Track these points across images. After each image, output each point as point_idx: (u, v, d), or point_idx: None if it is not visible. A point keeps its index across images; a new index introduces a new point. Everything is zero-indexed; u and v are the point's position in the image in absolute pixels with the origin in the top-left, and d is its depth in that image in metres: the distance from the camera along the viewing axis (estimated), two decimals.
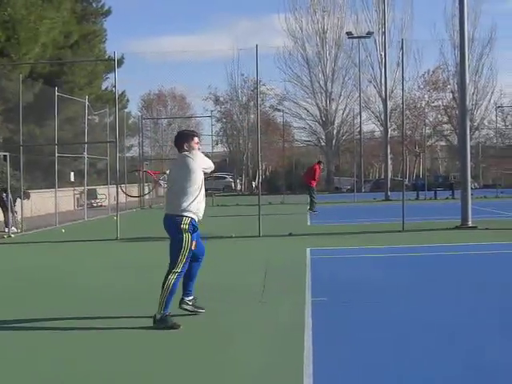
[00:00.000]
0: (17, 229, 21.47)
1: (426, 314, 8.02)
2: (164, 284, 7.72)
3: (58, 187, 26.31)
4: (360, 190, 50.31)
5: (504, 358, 6.13)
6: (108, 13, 46.05)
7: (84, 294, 10.08)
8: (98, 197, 38.74)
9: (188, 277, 8.08)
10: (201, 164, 7.91)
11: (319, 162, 29.50)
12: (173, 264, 7.79)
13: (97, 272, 12.52)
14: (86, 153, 30.02)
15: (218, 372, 6.00)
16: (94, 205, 37.37)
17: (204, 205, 8.03)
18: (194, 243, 7.79)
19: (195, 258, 8.05)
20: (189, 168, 7.81)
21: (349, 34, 58.76)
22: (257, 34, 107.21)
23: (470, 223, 19.23)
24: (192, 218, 7.79)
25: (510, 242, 15.29)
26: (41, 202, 30.85)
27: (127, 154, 43.83)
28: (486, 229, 18.49)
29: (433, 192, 40.64)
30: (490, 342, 6.72)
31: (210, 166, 8.10)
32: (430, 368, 5.87)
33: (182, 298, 8.16)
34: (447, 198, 38.02)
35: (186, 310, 8.14)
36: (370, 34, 58.65)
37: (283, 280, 10.71)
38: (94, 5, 45.61)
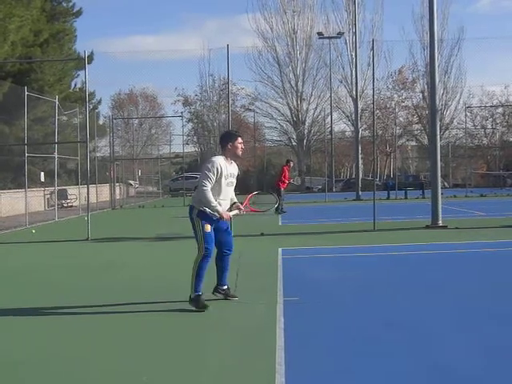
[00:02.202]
0: None
1: (395, 313, 8.06)
2: (193, 266, 8.45)
3: (28, 187, 26.10)
4: (331, 189, 50.44)
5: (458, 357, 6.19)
6: (79, 13, 45.84)
7: (53, 291, 10.01)
8: (69, 197, 38.52)
9: (219, 269, 8.87)
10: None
11: (287, 162, 29.33)
12: (198, 248, 8.49)
13: (66, 271, 12.43)
14: (56, 153, 29.80)
15: (188, 371, 5.98)
16: (65, 205, 37.17)
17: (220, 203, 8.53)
18: (207, 226, 8.43)
19: (220, 250, 8.78)
20: (204, 170, 8.50)
21: (319, 34, 58.84)
22: (227, 33, 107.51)
23: (440, 222, 19.35)
24: (200, 209, 8.47)
25: (479, 241, 15.42)
26: (10, 203, 30.63)
27: (98, 154, 43.60)
28: (456, 228, 18.63)
29: (403, 191, 40.87)
30: (449, 341, 6.77)
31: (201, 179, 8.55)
32: (396, 365, 5.91)
33: (216, 286, 8.95)
34: (418, 198, 38.26)
35: (217, 296, 8.91)
36: (340, 34, 58.76)
37: (255, 279, 10.71)
38: (64, 4, 45.32)
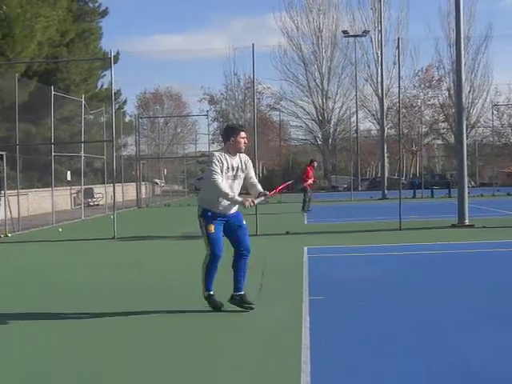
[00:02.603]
0: None
1: (420, 312, 8.00)
2: (201, 269, 8.23)
3: (55, 186, 26.29)
4: (357, 188, 50.29)
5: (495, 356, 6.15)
6: (105, 13, 46.11)
7: (80, 290, 10.06)
8: (95, 196, 38.71)
9: (235, 272, 8.34)
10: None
11: (311, 162, 29.24)
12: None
13: (92, 270, 12.49)
14: (82, 152, 29.97)
15: (214, 369, 5.99)
16: (91, 204, 37.36)
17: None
18: (210, 226, 8.09)
19: (236, 250, 8.35)
20: (208, 166, 8.27)
21: (345, 32, 58.74)
22: (252, 32, 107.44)
23: (466, 221, 19.22)
24: (206, 208, 8.18)
25: (506, 241, 15.30)
26: (37, 202, 30.84)
27: (124, 153, 43.80)
28: (483, 227, 18.49)
29: (429, 190, 40.69)
30: (486, 341, 6.72)
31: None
32: (422, 365, 5.87)
33: (232, 294, 8.33)
34: (444, 197, 38.06)
35: (233, 304, 8.29)
36: (365, 32, 58.60)
37: (281, 279, 10.70)
38: (91, 4, 45.60)
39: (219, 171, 8.04)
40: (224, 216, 8.21)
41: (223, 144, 8.52)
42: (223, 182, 8.02)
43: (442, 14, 79.78)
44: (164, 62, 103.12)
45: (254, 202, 8.22)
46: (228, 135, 8.32)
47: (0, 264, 14.30)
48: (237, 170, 8.26)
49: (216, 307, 8.17)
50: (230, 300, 8.30)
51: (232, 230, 8.28)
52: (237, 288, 8.31)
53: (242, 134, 8.30)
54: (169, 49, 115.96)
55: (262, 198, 8.47)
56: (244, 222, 8.43)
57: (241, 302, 8.27)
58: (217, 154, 8.25)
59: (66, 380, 5.85)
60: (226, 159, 8.15)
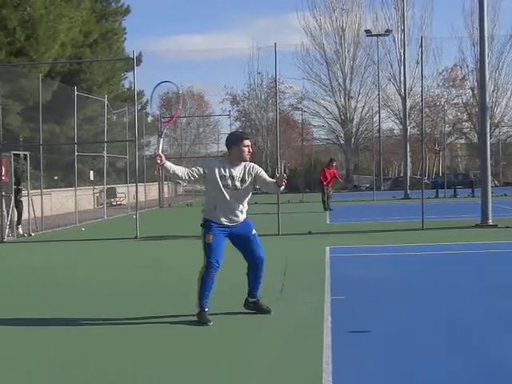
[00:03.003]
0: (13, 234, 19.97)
1: (446, 313, 7.97)
2: (197, 281, 7.85)
3: (78, 186, 26.44)
4: (379, 188, 50.19)
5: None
6: (127, 12, 46.24)
7: (101, 290, 10.11)
8: (118, 195, 38.88)
9: (250, 279, 8.12)
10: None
11: (330, 161, 29.29)
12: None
13: (114, 269, 12.55)
14: (105, 152, 30.12)
15: (236, 370, 6.00)
16: (114, 203, 37.52)
17: (223, 209, 7.92)
18: (208, 236, 7.83)
19: (251, 263, 8.05)
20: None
21: (367, 31, 58.59)
22: (275, 32, 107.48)
23: (490, 221, 19.11)
24: (208, 218, 8.00)
25: None
26: (61, 201, 31.04)
27: (146, 153, 43.92)
28: (507, 227, 18.37)
29: (452, 190, 40.51)
30: (507, 343, 6.68)
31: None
32: (447, 367, 5.85)
33: (246, 299, 8.20)
34: (467, 196, 37.88)
35: (248, 309, 8.18)
36: (388, 31, 58.42)
37: (302, 278, 10.70)
38: (114, 4, 45.80)
39: (197, 171, 7.84)
40: (226, 227, 7.89)
41: (228, 153, 8.02)
42: (183, 172, 7.85)
43: (465, 12, 79.32)
44: (186, 62, 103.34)
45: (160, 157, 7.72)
46: (231, 143, 7.92)
47: (22, 263, 14.40)
48: (240, 181, 7.86)
49: (204, 323, 7.64)
50: (244, 305, 8.19)
51: (241, 242, 7.99)
52: (251, 295, 8.17)
53: (246, 141, 7.86)
54: (191, 49, 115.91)
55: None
56: (253, 232, 8.02)
57: (255, 308, 8.15)
58: (214, 161, 8.08)
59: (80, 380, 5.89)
60: (224, 168, 7.80)
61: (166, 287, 10.27)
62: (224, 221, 7.89)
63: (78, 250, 16.46)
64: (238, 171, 7.85)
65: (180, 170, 7.88)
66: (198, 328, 7.54)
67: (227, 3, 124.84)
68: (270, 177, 8.19)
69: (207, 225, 7.91)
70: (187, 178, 7.87)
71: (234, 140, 7.96)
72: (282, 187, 7.94)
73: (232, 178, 7.80)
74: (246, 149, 7.84)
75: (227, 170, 7.80)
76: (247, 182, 7.90)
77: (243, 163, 7.91)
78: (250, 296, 8.16)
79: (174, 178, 7.95)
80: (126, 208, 32.28)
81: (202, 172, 7.84)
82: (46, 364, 6.37)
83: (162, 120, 7.88)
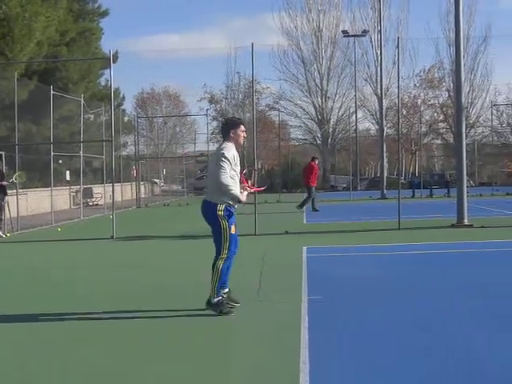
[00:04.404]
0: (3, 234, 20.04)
1: (420, 312, 8.02)
2: (213, 270, 8.08)
3: (54, 186, 26.28)
4: (356, 188, 50.37)
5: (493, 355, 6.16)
6: (105, 14, 46.06)
7: (78, 290, 10.07)
8: (94, 196, 38.71)
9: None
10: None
11: (313, 159, 29.10)
12: (218, 251, 8.14)
13: (91, 270, 12.50)
14: (81, 151, 29.97)
15: (213, 370, 5.99)
16: (90, 203, 37.36)
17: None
18: (232, 227, 8.08)
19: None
20: (218, 160, 8.04)
21: (344, 32, 58.77)
22: (252, 32, 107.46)
23: (465, 221, 19.23)
24: (226, 205, 8.07)
25: (505, 240, 15.31)
26: (37, 201, 30.86)
27: (123, 153, 43.81)
28: (482, 227, 18.50)
29: (428, 190, 40.72)
30: (484, 342, 6.72)
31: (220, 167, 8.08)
32: (423, 365, 5.88)
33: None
34: (443, 196, 38.09)
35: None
36: (365, 32, 58.66)
37: (279, 278, 10.71)
38: (91, 4, 45.58)
39: (229, 170, 8.01)
40: (234, 210, 8.21)
41: (224, 138, 8.39)
42: (229, 178, 8.01)
43: (441, 13, 79.99)
44: (163, 62, 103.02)
45: (246, 199, 8.34)
46: (228, 128, 8.32)
47: None
48: (238, 165, 8.28)
49: (227, 313, 8.03)
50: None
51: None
52: (222, 285, 8.26)
53: (242, 127, 8.36)
54: (168, 48, 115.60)
55: (247, 193, 8.51)
56: None
57: (227, 299, 8.29)
58: (230, 149, 8.17)
59: (63, 381, 5.86)
60: (235, 154, 8.18)
61: (144, 287, 10.24)
62: (236, 205, 8.27)
63: (54, 251, 16.37)
64: (237, 155, 8.25)
65: (234, 187, 8.11)
66: (173, 329, 7.54)
67: (205, 3, 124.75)
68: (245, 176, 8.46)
69: (228, 214, 8.08)
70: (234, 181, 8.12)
71: (231, 125, 8.38)
72: (246, 193, 8.47)
73: (239, 160, 8.29)
74: (242, 133, 8.34)
75: (236, 155, 8.18)
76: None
77: (238, 147, 8.36)
78: (224, 287, 8.26)
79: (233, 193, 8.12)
80: (102, 208, 32.14)
81: (231, 165, 8.05)
82: (21, 363, 6.34)
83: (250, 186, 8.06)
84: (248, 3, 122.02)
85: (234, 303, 8.32)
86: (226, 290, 8.31)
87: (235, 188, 8.04)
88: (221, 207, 8.02)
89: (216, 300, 8.04)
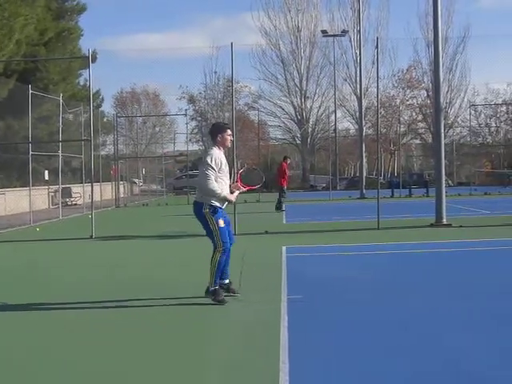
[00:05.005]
0: None
1: (400, 312, 8.06)
2: (211, 261, 8.69)
3: (33, 186, 26.15)
4: (335, 187, 50.41)
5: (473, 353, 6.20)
6: (83, 10, 45.73)
7: (57, 290, 10.04)
8: (73, 195, 38.55)
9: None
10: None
11: (285, 158, 29.19)
12: (214, 244, 8.75)
13: (70, 270, 12.46)
14: (60, 151, 29.83)
15: (192, 369, 6.00)
16: (69, 203, 37.19)
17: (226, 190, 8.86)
18: (220, 221, 8.64)
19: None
20: (203, 167, 8.68)
21: (323, 32, 58.83)
22: (232, 32, 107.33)
23: (444, 221, 19.32)
24: (212, 204, 8.64)
25: (482, 240, 15.42)
26: (15, 201, 30.69)
27: (102, 152, 43.63)
28: (461, 226, 18.60)
29: (407, 190, 40.85)
30: (466, 343, 6.77)
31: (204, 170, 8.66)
32: (403, 365, 5.91)
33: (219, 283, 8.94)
34: (422, 196, 38.25)
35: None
36: (344, 32, 58.77)
37: (259, 278, 10.72)
38: (69, 2, 45.30)
39: (215, 171, 8.56)
40: (223, 209, 8.84)
41: (212, 142, 8.98)
42: (214, 182, 8.55)
43: (420, 14, 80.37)
44: (143, 61, 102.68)
45: (236, 198, 9.00)
46: (216, 132, 8.88)
47: None
48: (227, 166, 8.83)
49: (221, 302, 8.58)
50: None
51: (226, 223, 8.88)
52: (224, 277, 8.99)
53: (229, 131, 8.93)
54: (148, 47, 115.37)
55: (238, 192, 9.19)
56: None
57: (228, 290, 8.98)
58: (216, 153, 8.70)
59: (51, 377, 5.85)
60: (221, 158, 8.73)
61: (122, 286, 10.22)
62: (223, 204, 8.87)
63: (32, 251, 16.29)
64: (224, 158, 8.87)
65: (219, 190, 8.66)
66: (149, 328, 7.54)
67: (186, 3, 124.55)
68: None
69: (215, 210, 8.65)
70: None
71: (218, 129, 8.98)
72: (237, 193, 9.25)
73: (225, 164, 8.83)
74: (229, 137, 8.94)
75: (222, 158, 8.78)
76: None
77: (224, 150, 9.02)
78: (222, 278, 8.94)
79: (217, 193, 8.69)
80: (81, 208, 32.00)
81: (215, 170, 8.61)
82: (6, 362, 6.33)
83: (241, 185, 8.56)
84: (228, 3, 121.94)
85: (233, 294, 8.98)
86: (227, 281, 9.03)
87: (221, 190, 8.60)
88: (206, 206, 8.63)
89: (212, 289, 8.64)
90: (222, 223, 8.64)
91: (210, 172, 8.52)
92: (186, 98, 63.76)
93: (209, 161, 8.57)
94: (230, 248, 8.99)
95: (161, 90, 68.93)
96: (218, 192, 8.55)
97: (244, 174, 9.89)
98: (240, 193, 9.38)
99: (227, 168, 8.90)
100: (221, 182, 8.68)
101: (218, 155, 8.69)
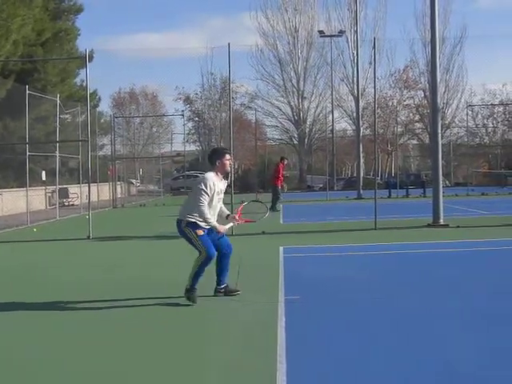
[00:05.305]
0: None
1: (396, 312, 8.08)
2: (193, 264, 8.74)
3: (30, 186, 26.13)
4: (332, 188, 50.43)
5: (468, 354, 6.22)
6: (80, 10, 45.69)
7: (54, 291, 10.04)
8: (70, 196, 38.52)
9: (219, 269, 9.05)
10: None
11: (282, 159, 29.22)
12: (198, 252, 8.73)
13: (67, 270, 12.46)
14: (57, 151, 29.81)
15: (190, 369, 6.01)
16: (66, 204, 37.15)
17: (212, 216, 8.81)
18: (198, 231, 8.63)
19: (220, 251, 8.87)
20: (197, 191, 8.67)
21: (321, 32, 58.86)
22: (230, 32, 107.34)
23: (441, 221, 19.34)
24: (188, 220, 8.69)
25: (480, 240, 15.44)
26: (12, 201, 30.67)
27: (99, 153, 43.59)
28: (458, 226, 18.62)
29: (405, 190, 40.88)
30: (461, 343, 6.78)
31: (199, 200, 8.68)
32: (400, 365, 5.93)
33: (216, 288, 9.13)
34: (419, 196, 38.27)
35: (219, 296, 9.13)
36: (341, 32, 58.79)
37: (256, 278, 10.73)
38: (66, 2, 45.24)
39: (209, 196, 8.59)
40: (206, 229, 8.77)
41: (211, 167, 8.94)
42: (207, 207, 8.61)
43: (417, 14, 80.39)
44: (141, 61, 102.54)
45: (226, 230, 8.91)
46: (214, 158, 8.85)
47: None
48: (222, 193, 8.96)
49: (192, 300, 8.66)
50: (215, 293, 9.08)
51: (213, 236, 8.81)
52: (222, 282, 9.07)
53: (227, 156, 8.88)
54: (146, 47, 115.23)
55: (232, 224, 9.31)
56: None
57: (226, 293, 9.07)
58: (211, 178, 8.70)
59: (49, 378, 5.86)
60: (217, 183, 8.74)
61: (120, 286, 10.22)
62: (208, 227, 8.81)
63: (30, 251, 16.28)
64: (222, 184, 8.93)
65: (211, 219, 8.75)
66: (150, 328, 7.55)
67: (185, 2, 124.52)
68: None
69: (194, 224, 8.65)
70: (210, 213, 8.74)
71: (216, 155, 8.92)
72: (230, 225, 9.32)
73: (220, 191, 8.87)
74: (227, 162, 8.89)
75: (217, 185, 8.76)
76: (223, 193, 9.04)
77: (225, 175, 9.02)
78: (220, 284, 9.07)
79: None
80: (78, 208, 31.97)
81: (209, 196, 8.65)
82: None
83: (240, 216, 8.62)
84: (227, 3, 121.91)
85: (233, 294, 9.09)
86: (224, 285, 9.09)
87: (213, 219, 8.72)
88: (184, 223, 8.72)
89: (188, 287, 8.72)
90: (200, 232, 8.63)
91: (203, 198, 8.56)
92: (181, 98, 63.72)
93: (202, 186, 8.60)
94: (230, 253, 9.08)
95: (159, 91, 68.83)
96: (209, 219, 8.62)
97: (247, 205, 10.01)
98: (233, 225, 9.56)
99: (222, 195, 8.97)
100: (211, 208, 8.75)
101: (213, 181, 8.70)
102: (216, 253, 8.74)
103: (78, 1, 45.44)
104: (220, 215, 9.10)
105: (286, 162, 29.97)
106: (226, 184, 9.21)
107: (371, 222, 18.86)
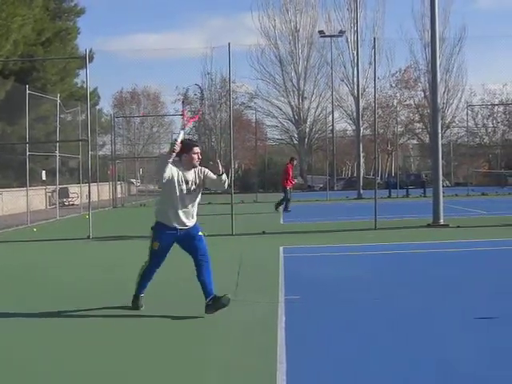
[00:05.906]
0: None
1: (396, 312, 8.08)
2: (139, 272, 8.62)
3: (30, 186, 26.13)
4: (332, 188, 50.43)
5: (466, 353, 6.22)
6: (81, 12, 45.69)
7: (55, 290, 10.04)
8: (70, 195, 38.52)
9: (202, 284, 8.14)
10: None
11: (291, 160, 29.19)
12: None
13: (67, 270, 12.46)
14: (57, 151, 29.81)
15: (190, 369, 6.01)
16: (66, 203, 37.16)
17: (177, 213, 8.17)
18: (155, 244, 8.28)
19: (195, 260, 8.23)
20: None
21: (321, 32, 58.90)
22: (231, 32, 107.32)
23: (441, 221, 19.34)
24: (157, 220, 8.33)
25: (480, 240, 15.44)
26: (12, 201, 30.68)
27: (99, 153, 43.58)
28: (458, 227, 18.63)
29: (405, 190, 40.91)
30: (461, 343, 6.78)
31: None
32: (399, 365, 5.93)
33: (206, 303, 8.07)
34: (419, 196, 38.27)
35: (211, 312, 8.02)
36: (342, 32, 58.85)
37: (256, 278, 10.73)
38: (67, 3, 45.24)
39: (167, 165, 7.93)
40: (175, 231, 8.16)
41: (178, 162, 8.22)
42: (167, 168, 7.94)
43: (415, 15, 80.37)
44: (141, 62, 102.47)
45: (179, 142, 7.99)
46: (181, 151, 8.11)
47: None
48: (192, 184, 8.21)
49: (135, 307, 8.52)
50: (206, 310, 8.02)
51: (186, 241, 8.26)
52: (207, 293, 8.08)
53: (196, 149, 8.22)
54: (146, 48, 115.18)
55: (182, 135, 8.18)
56: (200, 234, 8.33)
57: (217, 304, 8.01)
58: (175, 164, 8.14)
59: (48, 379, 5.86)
60: (179, 172, 8.11)
61: (121, 286, 10.22)
62: (176, 224, 8.17)
63: (30, 251, 16.28)
64: (190, 175, 8.23)
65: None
66: (148, 327, 7.55)
67: (185, 3, 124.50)
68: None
69: (157, 230, 8.27)
70: (168, 171, 7.99)
71: (184, 148, 8.15)
72: (223, 176, 8.35)
73: (186, 182, 8.15)
74: (195, 156, 8.22)
75: (181, 174, 8.13)
76: (198, 185, 8.31)
77: (193, 168, 8.29)
78: (208, 295, 8.06)
79: (164, 166, 7.97)
80: (78, 208, 31.96)
81: (170, 171, 8.01)
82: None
83: (186, 115, 7.91)
84: (227, 3, 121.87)
85: (223, 303, 7.95)
86: (211, 296, 8.04)
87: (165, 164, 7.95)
88: (154, 222, 8.33)
89: (135, 294, 8.62)
90: (155, 246, 8.24)
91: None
92: (180, 99, 63.58)
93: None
94: (208, 261, 8.21)
95: (160, 91, 68.79)
96: (163, 157, 8.13)
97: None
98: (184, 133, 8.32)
99: (194, 186, 8.22)
100: (171, 199, 8.13)
101: (178, 167, 8.10)
102: (158, 268, 8.46)
103: (80, 3, 45.50)
104: (218, 182, 8.38)
105: (295, 163, 30.00)
106: (196, 173, 8.29)
107: (371, 222, 18.87)
